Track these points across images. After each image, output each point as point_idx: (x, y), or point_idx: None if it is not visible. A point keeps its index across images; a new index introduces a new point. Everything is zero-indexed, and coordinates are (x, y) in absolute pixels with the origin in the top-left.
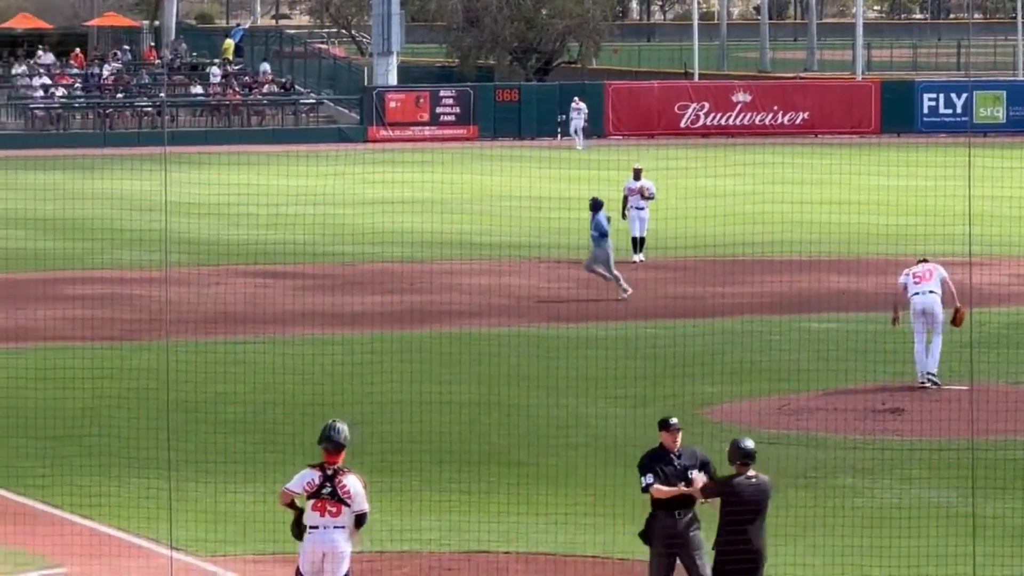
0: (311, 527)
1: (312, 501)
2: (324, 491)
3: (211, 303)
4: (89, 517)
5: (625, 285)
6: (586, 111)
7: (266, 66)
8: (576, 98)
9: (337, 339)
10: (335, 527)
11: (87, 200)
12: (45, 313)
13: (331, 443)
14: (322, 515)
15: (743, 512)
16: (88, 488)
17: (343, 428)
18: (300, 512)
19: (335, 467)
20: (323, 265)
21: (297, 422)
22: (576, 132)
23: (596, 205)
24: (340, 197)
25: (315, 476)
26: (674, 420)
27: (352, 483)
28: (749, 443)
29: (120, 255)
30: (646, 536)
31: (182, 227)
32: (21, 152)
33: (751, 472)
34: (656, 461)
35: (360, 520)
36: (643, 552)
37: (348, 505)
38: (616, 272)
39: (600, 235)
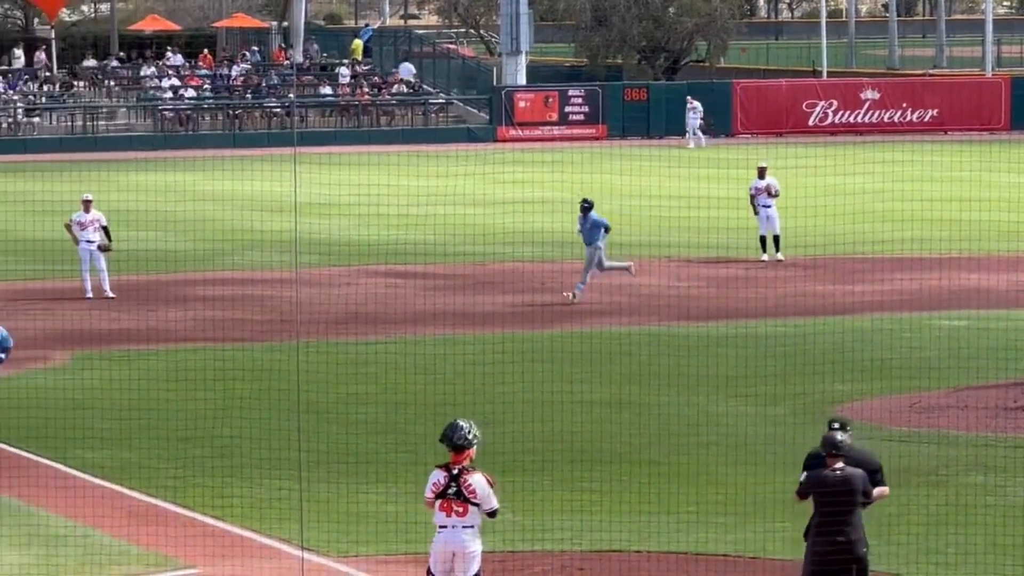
0: (440, 527)
1: (439, 501)
2: (450, 491)
3: (341, 304)
4: (220, 518)
5: (580, 291)
6: (701, 110)
7: (407, 67)
8: (689, 97)
9: (468, 339)
10: (463, 527)
11: (216, 201)
12: (176, 315)
13: (451, 443)
14: (448, 515)
15: (829, 504)
16: (219, 489)
17: (464, 428)
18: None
19: (460, 466)
20: (453, 265)
21: (428, 422)
22: (693, 131)
23: (588, 206)
24: (470, 197)
25: (441, 476)
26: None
27: (477, 482)
28: (836, 435)
29: (250, 256)
30: (806, 533)
31: (312, 228)
32: (151, 153)
33: (838, 464)
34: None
35: (491, 516)
36: (774, 551)
37: (475, 504)
38: (588, 277)
39: (606, 230)
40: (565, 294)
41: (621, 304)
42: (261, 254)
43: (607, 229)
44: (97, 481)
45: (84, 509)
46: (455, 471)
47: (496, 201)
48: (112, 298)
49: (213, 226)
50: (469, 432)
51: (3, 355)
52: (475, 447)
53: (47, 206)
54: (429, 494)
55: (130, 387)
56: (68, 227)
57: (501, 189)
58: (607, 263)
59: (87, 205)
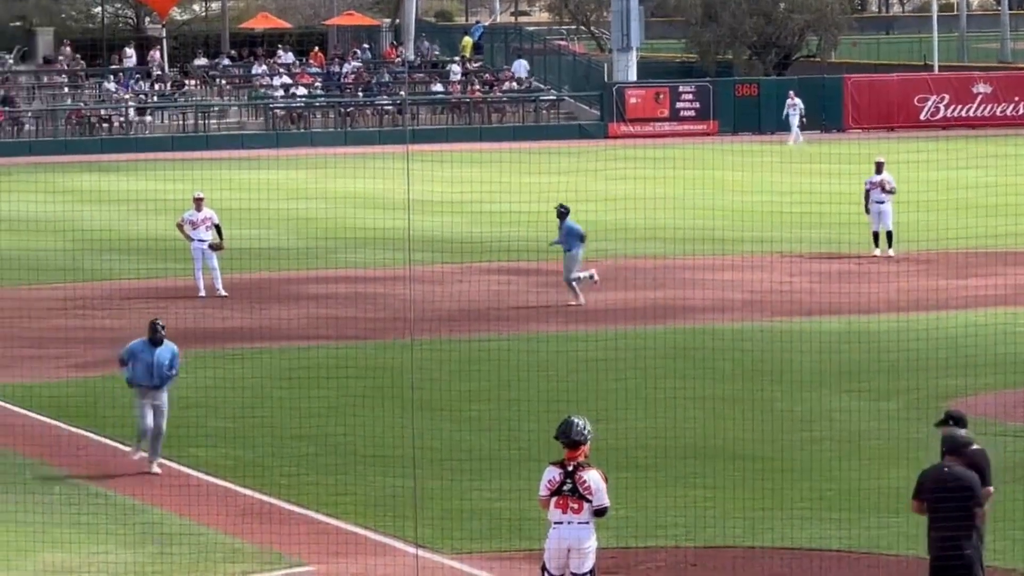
0: (555, 523)
1: (555, 498)
2: (565, 488)
3: (453, 301)
4: (334, 515)
5: (580, 295)
6: (802, 106)
7: (522, 63)
8: (791, 93)
9: (579, 335)
10: (579, 523)
11: (328, 199)
12: (288, 313)
13: (567, 439)
14: (564, 511)
15: (939, 501)
16: (333, 487)
17: (580, 424)
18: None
19: (575, 463)
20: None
21: (541, 418)
22: (794, 127)
23: (564, 212)
24: (581, 193)
25: (556, 473)
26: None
27: (592, 478)
28: (952, 430)
29: (362, 254)
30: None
31: (424, 225)
32: (262, 151)
33: (948, 462)
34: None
35: (599, 513)
36: (887, 547)
37: (589, 501)
38: (575, 280)
39: (580, 239)
40: (571, 303)
41: (732, 300)
42: (373, 252)
43: (582, 239)
44: (210, 479)
45: (198, 507)
46: (570, 467)
47: (607, 198)
48: (224, 296)
49: (325, 224)
50: (584, 428)
51: (173, 371)
52: (589, 443)
53: (159, 205)
54: (544, 491)
55: (243, 385)
56: (180, 226)
57: (612, 185)
58: (573, 275)
59: (199, 203)
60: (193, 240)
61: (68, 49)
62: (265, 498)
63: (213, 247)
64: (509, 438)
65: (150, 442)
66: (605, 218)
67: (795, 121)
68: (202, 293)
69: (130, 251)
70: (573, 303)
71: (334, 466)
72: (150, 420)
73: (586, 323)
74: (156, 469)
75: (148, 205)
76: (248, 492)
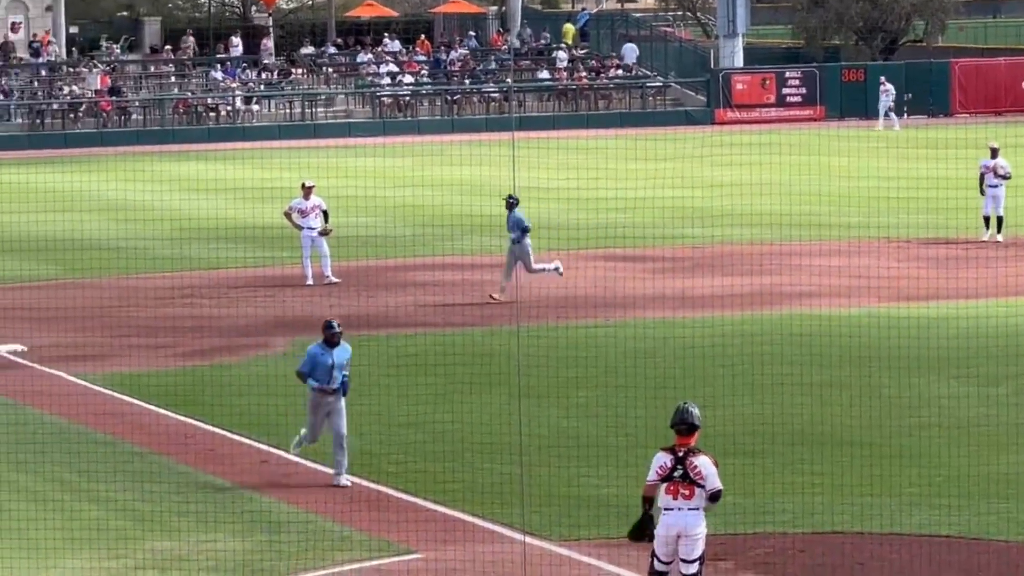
0: (665, 509)
1: (665, 484)
2: (676, 474)
3: (560, 287)
4: (442, 503)
5: (503, 289)
6: (893, 92)
7: (631, 47)
8: (883, 78)
9: (686, 321)
10: (689, 509)
11: (436, 187)
12: (396, 300)
13: (684, 424)
14: (675, 498)
15: None
16: (441, 474)
17: (695, 410)
18: (647, 512)
19: (687, 448)
20: (671, 248)
21: (649, 405)
22: (885, 113)
23: (513, 202)
24: (687, 180)
25: (667, 459)
26: None
27: (703, 463)
28: None
29: (469, 241)
30: None
31: (531, 212)
32: (369, 140)
33: None
34: None
35: (715, 497)
36: (997, 533)
37: (701, 486)
38: (511, 275)
39: (523, 231)
40: (492, 296)
41: (840, 286)
42: (480, 239)
43: (525, 231)
44: (317, 467)
45: (306, 495)
46: (680, 453)
47: (714, 184)
48: (334, 283)
49: (431, 211)
50: (698, 414)
51: (346, 373)
52: (698, 429)
53: (266, 193)
54: (654, 476)
55: (351, 373)
56: (287, 215)
57: (719, 171)
58: (535, 265)
59: (308, 191)
60: (302, 228)
61: (191, 39)
62: (374, 486)
63: (322, 232)
64: (616, 425)
65: (333, 453)
66: (711, 204)
67: (884, 107)
68: (310, 281)
69: (237, 239)
70: (496, 296)
71: (442, 453)
72: (323, 428)
73: (692, 309)
74: (344, 481)
75: (255, 193)
76: (356, 480)
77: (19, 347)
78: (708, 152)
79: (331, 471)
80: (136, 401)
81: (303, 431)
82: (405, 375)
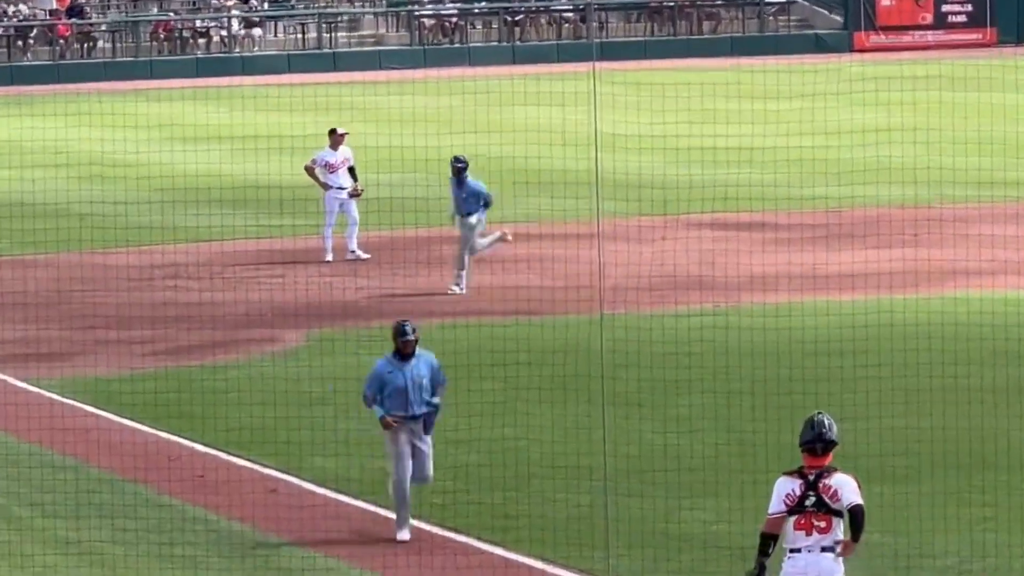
0: (791, 552)
1: (794, 517)
2: (807, 503)
3: (655, 264)
4: (501, 543)
5: (460, 286)
6: None
7: None
8: None
9: (818, 307)
10: (822, 548)
11: (493, 133)
12: (442, 280)
13: (821, 443)
14: (808, 533)
15: None
16: (500, 507)
17: (828, 422)
18: (765, 547)
19: (819, 470)
20: (799, 212)
21: (769, 416)
22: None
23: (461, 166)
24: (820, 124)
25: (795, 485)
26: None
27: (840, 481)
28: None
29: (536, 204)
30: None
31: (617, 167)
32: (406, 73)
33: None
34: None
35: (856, 519)
36: None
37: (839, 514)
38: (469, 261)
39: (485, 204)
40: (450, 289)
41: (1017, 262)
42: (551, 201)
43: (487, 203)
44: (341, 498)
45: (326, 535)
46: (811, 476)
47: (854, 129)
48: (361, 259)
49: (487, 166)
50: (834, 427)
51: (436, 399)
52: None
53: (273, 143)
54: (780, 507)
55: None
56: (310, 170)
57: (860, 113)
58: (479, 243)
59: (338, 140)
60: (330, 188)
61: None
62: (413, 522)
63: (353, 193)
64: (728, 441)
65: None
66: (850, 155)
67: None
68: (329, 256)
69: (235, 203)
70: (455, 289)
71: (502, 480)
72: (408, 465)
73: (824, 291)
74: (404, 535)
75: (258, 143)
76: (392, 515)
77: None
78: (845, 88)
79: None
80: (104, 413)
81: (389, 479)
82: (454, 378)
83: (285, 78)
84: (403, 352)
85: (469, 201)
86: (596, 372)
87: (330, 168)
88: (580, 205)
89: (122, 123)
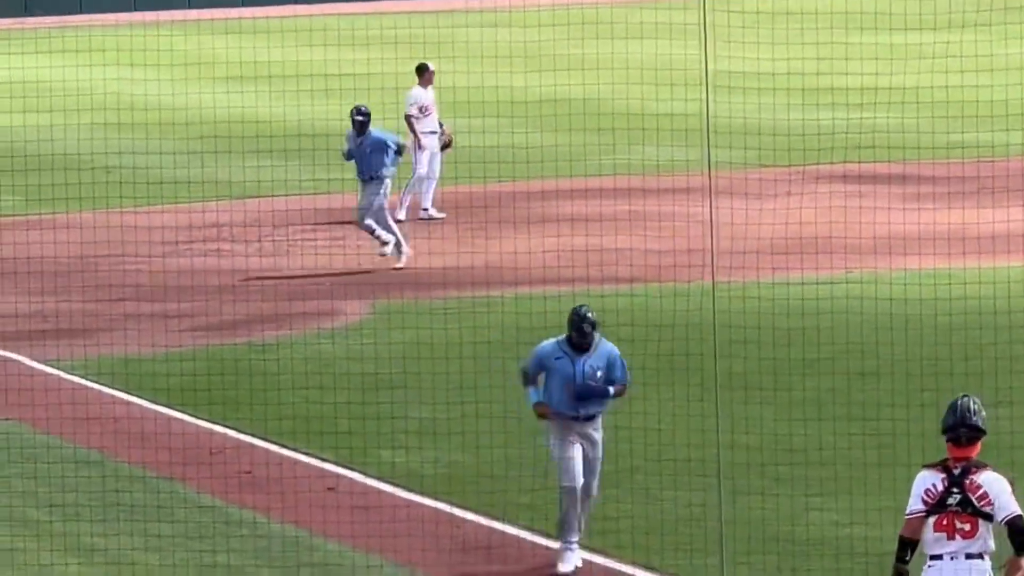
0: (932, 558)
1: (934, 518)
2: (951, 501)
3: (773, 224)
4: (602, 551)
5: (403, 250)
6: None
7: None
8: None
9: (968, 273)
10: (968, 555)
11: (586, 72)
12: (528, 243)
13: (965, 428)
14: (950, 536)
15: None
16: (599, 508)
17: (978, 406)
18: (903, 552)
19: (965, 464)
20: (945, 163)
21: (910, 401)
22: None
23: (363, 118)
24: (970, 60)
25: (937, 480)
26: None
27: (990, 481)
28: None
29: (636, 154)
30: None
31: (732, 109)
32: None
33: None
34: None
35: (1015, 532)
36: None
37: (988, 517)
38: (392, 222)
39: (396, 152)
40: (382, 252)
41: None
42: (656, 149)
43: (398, 150)
44: (411, 497)
45: (393, 539)
46: (957, 470)
47: (1008, 66)
48: (436, 219)
49: (583, 108)
50: (982, 413)
51: (610, 391)
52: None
53: (331, 82)
54: (919, 507)
55: (459, 355)
56: (410, 119)
57: (1016, 47)
58: (385, 216)
59: (429, 78)
60: (423, 136)
61: None
62: (495, 524)
63: (446, 145)
64: (862, 431)
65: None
66: (1004, 96)
67: None
68: (401, 216)
69: (287, 153)
70: (397, 265)
71: (610, 480)
72: (579, 472)
73: (976, 255)
74: (573, 561)
75: (313, 83)
76: (469, 516)
77: None
78: (999, 19)
79: (419, 498)
80: (135, 399)
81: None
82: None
83: (339, 6)
84: (577, 341)
85: (373, 157)
86: (708, 350)
87: (424, 111)
88: (689, 155)
89: (155, 60)
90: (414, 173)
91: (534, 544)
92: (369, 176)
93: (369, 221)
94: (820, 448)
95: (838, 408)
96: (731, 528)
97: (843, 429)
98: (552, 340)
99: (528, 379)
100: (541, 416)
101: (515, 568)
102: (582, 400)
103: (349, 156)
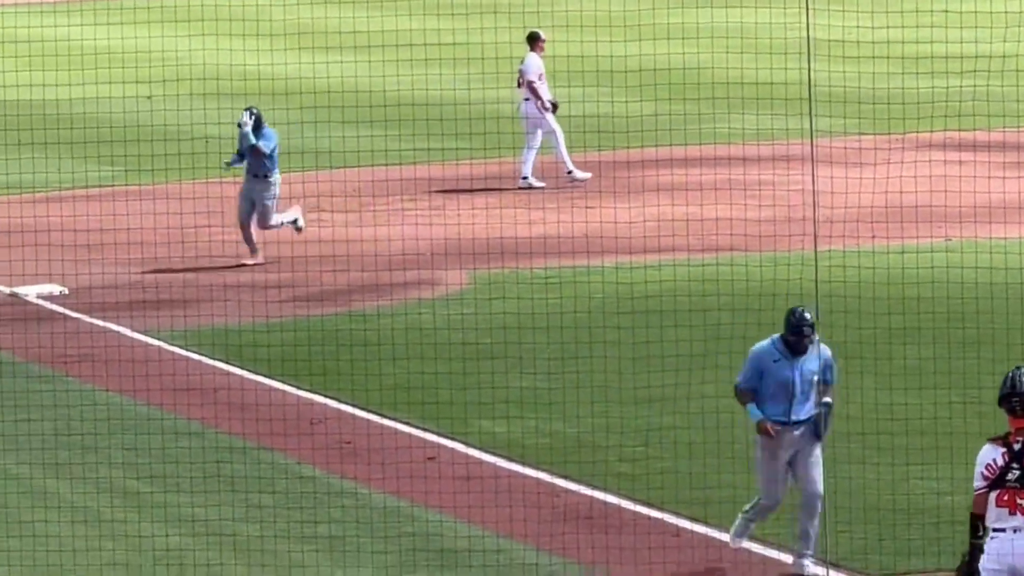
0: (995, 531)
1: (996, 493)
2: (1010, 476)
3: (877, 191)
4: (702, 520)
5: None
6: None
7: None
8: None
9: None
10: None
11: (686, 41)
12: (629, 213)
13: (1017, 396)
14: (1012, 511)
15: None
16: (700, 476)
17: None
18: (975, 529)
19: None
20: None
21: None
22: None
23: (253, 120)
24: None
25: (997, 455)
26: None
27: None
28: None
29: (740, 122)
30: None
31: (833, 77)
32: None
33: None
34: None
35: None
36: None
37: None
38: (279, 220)
39: (272, 162)
40: (245, 262)
41: None
42: (756, 118)
43: (271, 156)
44: (513, 467)
45: (495, 510)
46: (1017, 445)
47: None
48: (536, 188)
49: (682, 78)
50: None
51: (827, 400)
52: None
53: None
54: (980, 483)
55: (560, 324)
56: (532, 85)
57: None
58: (274, 217)
59: (542, 45)
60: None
61: None
62: (598, 494)
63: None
64: (964, 399)
65: (800, 523)
66: None
67: None
68: (527, 176)
69: (386, 123)
70: (249, 261)
71: (701, 445)
72: (781, 492)
73: None
74: (811, 570)
75: (413, 53)
76: (571, 486)
77: (57, 289)
78: None
79: (524, 469)
80: (234, 369)
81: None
82: (644, 325)
83: None
84: (794, 343)
85: (259, 162)
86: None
87: (542, 78)
88: (789, 123)
89: (254, 30)
90: (555, 136)
91: (634, 513)
92: (262, 174)
93: (275, 221)
94: (920, 417)
95: (939, 377)
96: (832, 498)
97: (944, 398)
98: (766, 341)
99: (745, 395)
100: (764, 433)
101: (616, 538)
102: (799, 405)
103: (241, 157)
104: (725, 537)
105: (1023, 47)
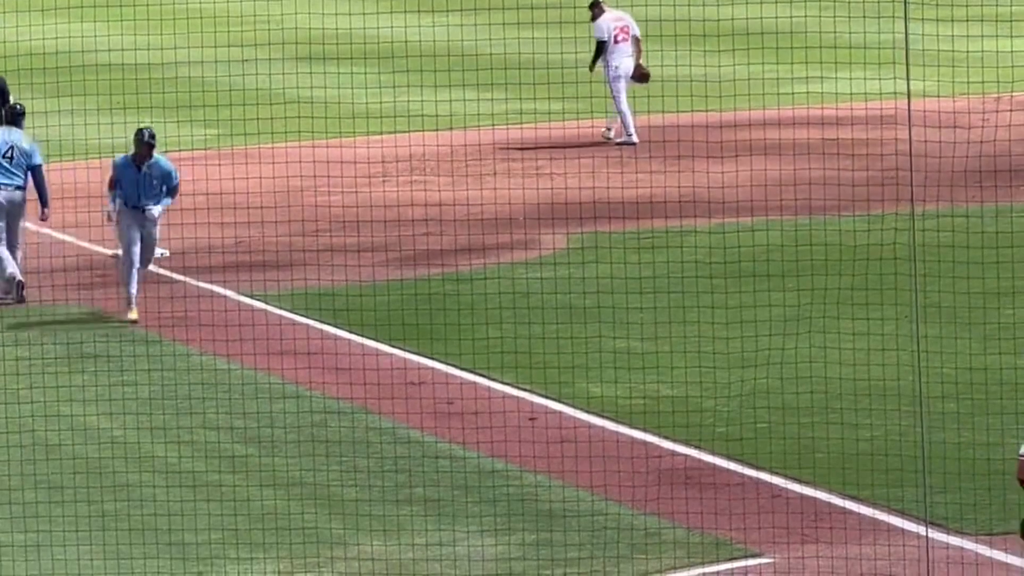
0: None
1: None
2: None
3: (968, 156)
4: (798, 479)
5: (134, 301)
6: None
7: None
8: None
9: None
10: None
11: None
12: (722, 175)
13: None
14: None
15: None
16: (794, 437)
17: None
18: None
19: None
20: None
21: None
22: None
23: (152, 142)
24: None
25: None
26: None
27: None
28: None
29: (832, 83)
30: None
31: (927, 41)
32: None
33: None
34: None
35: None
36: None
37: None
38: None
39: (170, 193)
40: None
41: None
42: (849, 79)
43: (172, 190)
44: (614, 427)
45: (591, 471)
46: None
47: None
48: (630, 144)
49: (775, 42)
50: None
51: None
52: None
53: (524, 16)
54: None
55: (652, 288)
56: (604, 45)
57: None
58: (160, 249)
59: (597, 13)
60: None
61: None
62: (694, 452)
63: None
64: None
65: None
66: None
67: None
68: (612, 133)
69: (480, 86)
70: (128, 316)
71: (797, 405)
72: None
73: None
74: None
75: (506, 17)
76: (671, 446)
77: (159, 251)
78: None
79: (626, 429)
80: (335, 330)
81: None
82: (738, 286)
83: None
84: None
85: (154, 186)
86: (906, 279)
87: (616, 41)
88: (883, 85)
89: None
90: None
91: (732, 472)
92: (139, 205)
93: (162, 251)
94: (1018, 379)
95: None
96: (929, 461)
97: None
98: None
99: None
100: None
101: (712, 498)
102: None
103: (117, 184)
104: (821, 495)
105: None
